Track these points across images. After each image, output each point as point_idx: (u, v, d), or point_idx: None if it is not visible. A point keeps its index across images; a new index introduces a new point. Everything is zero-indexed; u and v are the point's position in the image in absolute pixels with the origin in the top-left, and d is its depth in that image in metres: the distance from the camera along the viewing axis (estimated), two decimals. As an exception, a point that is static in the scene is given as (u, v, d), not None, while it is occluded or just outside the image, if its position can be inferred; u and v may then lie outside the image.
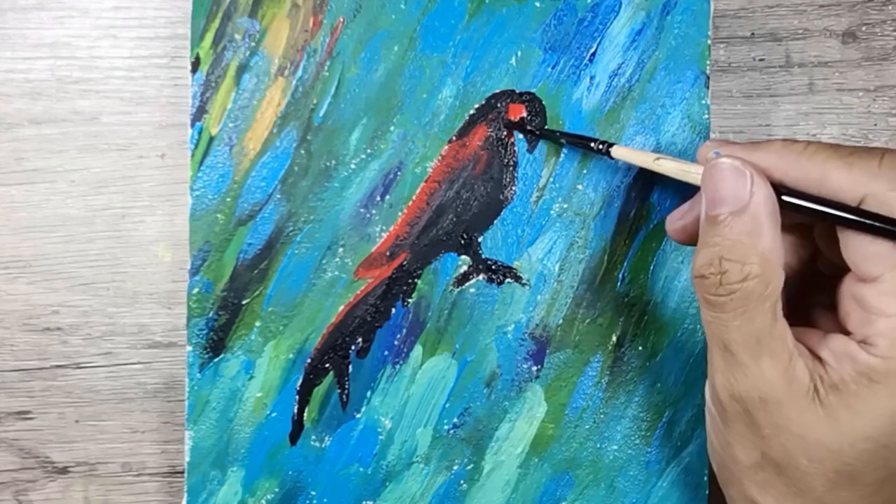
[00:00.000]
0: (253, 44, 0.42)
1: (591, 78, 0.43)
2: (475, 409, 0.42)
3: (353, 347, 0.42)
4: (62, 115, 0.45)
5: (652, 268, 0.42)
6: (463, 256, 0.42)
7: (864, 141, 0.46)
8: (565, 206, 0.42)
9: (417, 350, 0.42)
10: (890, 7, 0.46)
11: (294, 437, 0.42)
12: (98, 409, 0.45)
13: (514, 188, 0.42)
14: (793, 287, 0.34)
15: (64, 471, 0.44)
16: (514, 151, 0.42)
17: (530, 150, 0.42)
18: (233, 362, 0.41)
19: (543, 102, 0.42)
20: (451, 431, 0.42)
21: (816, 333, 0.32)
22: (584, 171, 0.42)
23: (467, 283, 0.42)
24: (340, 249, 0.42)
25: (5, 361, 0.44)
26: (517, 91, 0.42)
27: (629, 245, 0.42)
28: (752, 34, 0.46)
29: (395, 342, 0.42)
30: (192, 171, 0.41)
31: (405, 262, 0.42)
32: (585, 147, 0.40)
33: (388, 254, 0.42)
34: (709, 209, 0.32)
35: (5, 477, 0.44)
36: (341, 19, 0.42)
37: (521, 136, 0.42)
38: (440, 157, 0.42)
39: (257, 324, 0.42)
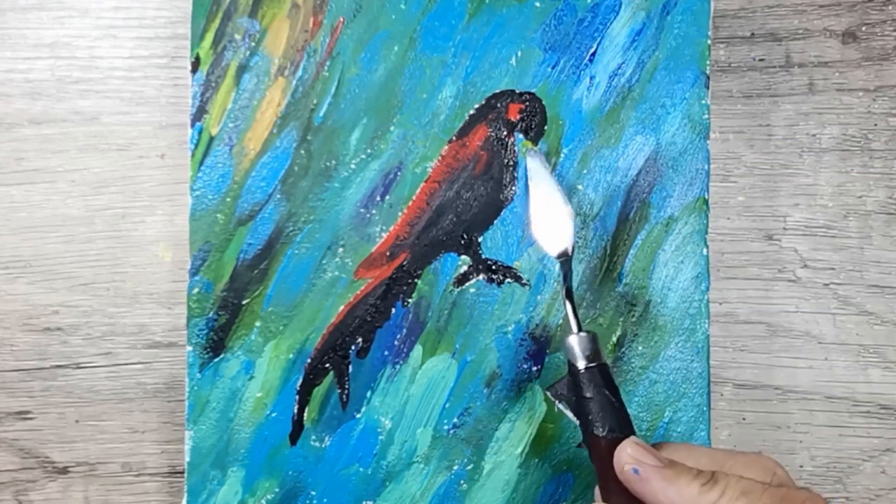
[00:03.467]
0: (253, 44, 0.42)
1: (591, 78, 0.43)
2: (475, 409, 0.42)
3: (353, 347, 0.42)
4: (62, 115, 0.45)
5: (652, 268, 0.42)
6: (463, 256, 0.42)
7: (864, 141, 0.46)
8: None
9: (417, 350, 0.42)
10: (890, 7, 0.46)
11: (294, 437, 0.42)
12: (98, 409, 0.45)
13: (514, 188, 0.42)
14: None
15: (64, 471, 0.44)
16: (514, 151, 0.42)
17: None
18: (233, 362, 0.41)
19: (543, 102, 0.42)
20: (451, 431, 0.42)
21: None
22: (584, 171, 0.42)
23: (467, 283, 0.42)
24: (340, 249, 0.42)
25: (5, 361, 0.44)
26: (517, 91, 0.42)
27: (629, 245, 0.42)
28: (752, 34, 0.46)
29: (395, 342, 0.42)
30: (192, 171, 0.41)
31: (405, 262, 0.42)
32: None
33: (388, 254, 0.42)
34: None
35: (5, 477, 0.44)
36: (341, 19, 0.42)
37: (521, 135, 0.42)
38: (440, 157, 0.42)
39: (257, 324, 0.42)
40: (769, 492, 0.31)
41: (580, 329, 0.38)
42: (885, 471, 0.45)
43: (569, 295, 0.39)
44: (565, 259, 0.40)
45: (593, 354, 0.37)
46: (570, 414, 0.37)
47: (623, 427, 0.35)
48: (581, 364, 0.37)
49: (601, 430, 0.35)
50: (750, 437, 0.45)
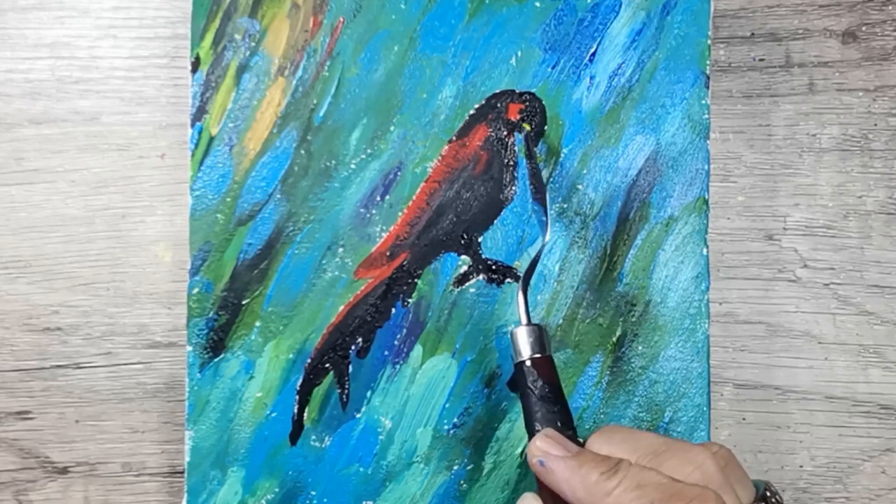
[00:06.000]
0: (253, 44, 0.42)
1: (591, 78, 0.43)
2: (475, 409, 0.42)
3: (353, 347, 0.42)
4: (62, 115, 0.45)
5: (652, 268, 0.42)
6: (463, 256, 0.42)
7: (864, 141, 0.46)
8: (565, 206, 0.42)
9: (417, 350, 0.42)
10: (890, 7, 0.46)
11: (294, 437, 0.42)
12: (98, 409, 0.45)
13: (514, 188, 0.42)
14: None
15: (64, 471, 0.44)
16: (514, 151, 0.42)
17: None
18: (233, 362, 0.41)
19: (543, 102, 0.42)
20: (451, 431, 0.42)
21: None
22: (584, 171, 0.42)
23: (467, 283, 0.42)
24: (340, 249, 0.42)
25: (5, 361, 0.44)
26: (517, 91, 0.42)
27: (629, 245, 0.42)
28: (752, 34, 0.46)
29: (395, 342, 0.42)
30: (192, 171, 0.41)
31: (405, 262, 0.42)
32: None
33: (388, 254, 0.42)
34: None
35: (5, 477, 0.44)
36: (341, 19, 0.42)
37: (520, 135, 0.42)
38: (440, 157, 0.42)
39: (257, 324, 0.42)
40: (664, 486, 0.31)
41: (529, 322, 0.37)
42: (885, 471, 0.45)
43: (524, 285, 0.37)
44: (537, 252, 0.39)
45: (537, 347, 0.36)
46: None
47: (560, 423, 0.34)
48: (522, 356, 0.36)
49: (538, 426, 0.34)
50: (750, 437, 0.45)
